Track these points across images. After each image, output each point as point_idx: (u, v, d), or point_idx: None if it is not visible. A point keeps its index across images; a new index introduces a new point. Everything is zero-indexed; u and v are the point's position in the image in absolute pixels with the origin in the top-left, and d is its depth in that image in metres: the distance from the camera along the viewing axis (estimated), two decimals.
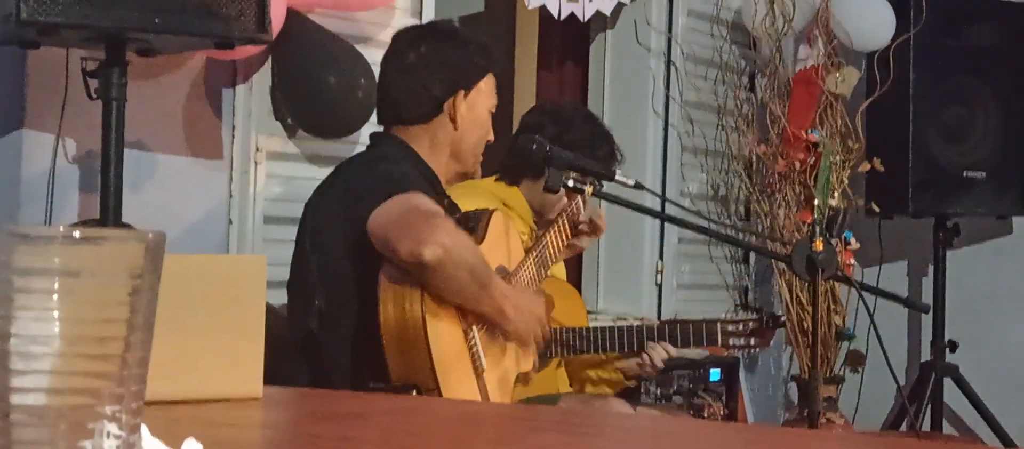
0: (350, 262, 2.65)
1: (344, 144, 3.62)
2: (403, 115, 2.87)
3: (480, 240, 2.70)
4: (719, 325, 3.45)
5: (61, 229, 0.77)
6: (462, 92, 2.84)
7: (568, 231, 3.13)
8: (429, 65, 2.85)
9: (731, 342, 3.47)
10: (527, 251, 2.97)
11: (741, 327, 3.48)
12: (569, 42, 5.08)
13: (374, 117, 3.46)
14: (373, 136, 2.96)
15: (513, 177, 3.43)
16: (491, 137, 2.95)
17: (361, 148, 3.49)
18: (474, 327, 2.66)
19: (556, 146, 2.95)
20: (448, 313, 2.59)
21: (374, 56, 3.69)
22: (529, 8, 4.39)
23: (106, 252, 0.78)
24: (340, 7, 3.57)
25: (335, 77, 3.40)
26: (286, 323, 2.81)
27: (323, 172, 3.51)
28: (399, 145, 2.84)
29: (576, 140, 3.32)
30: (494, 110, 2.94)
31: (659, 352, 3.37)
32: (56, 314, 0.76)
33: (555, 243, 3.07)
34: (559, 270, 3.61)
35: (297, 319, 2.77)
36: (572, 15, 4.46)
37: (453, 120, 2.84)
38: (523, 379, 2.92)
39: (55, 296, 0.76)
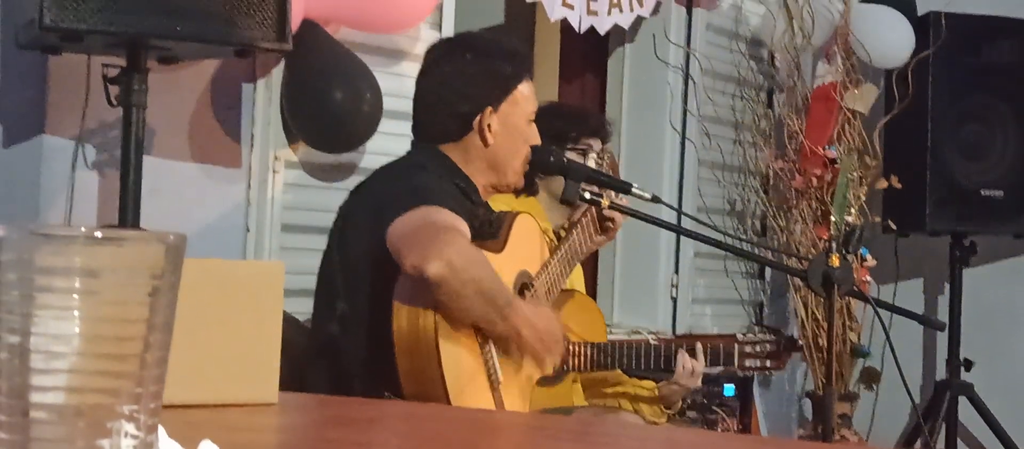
0: (373, 269, 2.63)
1: (361, 154, 3.63)
2: (433, 134, 2.84)
3: (502, 245, 2.68)
4: (737, 347, 3.43)
5: (82, 229, 0.77)
6: (489, 108, 2.79)
7: (595, 226, 3.08)
8: (454, 85, 2.79)
9: (747, 363, 3.46)
10: (552, 252, 2.93)
11: (758, 349, 3.47)
12: (589, 55, 5.09)
13: (377, 131, 3.47)
14: (412, 144, 2.94)
15: (529, 188, 3.40)
16: (534, 141, 2.87)
17: (370, 158, 3.50)
18: (491, 339, 2.64)
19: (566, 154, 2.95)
20: (463, 327, 2.56)
21: (393, 67, 3.71)
22: (551, 20, 4.40)
23: (127, 252, 0.78)
24: (362, 27, 3.57)
25: (341, 92, 3.39)
26: (304, 330, 2.81)
27: (341, 182, 3.53)
28: (435, 154, 2.82)
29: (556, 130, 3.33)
30: (533, 115, 2.86)
31: (699, 363, 3.33)
32: (76, 313, 0.77)
33: (583, 236, 3.03)
34: (579, 283, 3.60)
35: (320, 321, 2.78)
36: (591, 28, 4.47)
37: (483, 138, 2.79)
38: (545, 382, 2.91)
39: (76, 295, 0.77)
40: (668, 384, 3.41)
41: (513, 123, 2.82)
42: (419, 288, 2.48)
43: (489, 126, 2.79)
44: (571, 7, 4.36)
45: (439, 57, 2.88)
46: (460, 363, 2.54)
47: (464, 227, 2.55)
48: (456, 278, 2.43)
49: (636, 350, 3.31)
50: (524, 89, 2.84)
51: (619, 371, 3.39)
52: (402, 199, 2.57)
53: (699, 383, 3.42)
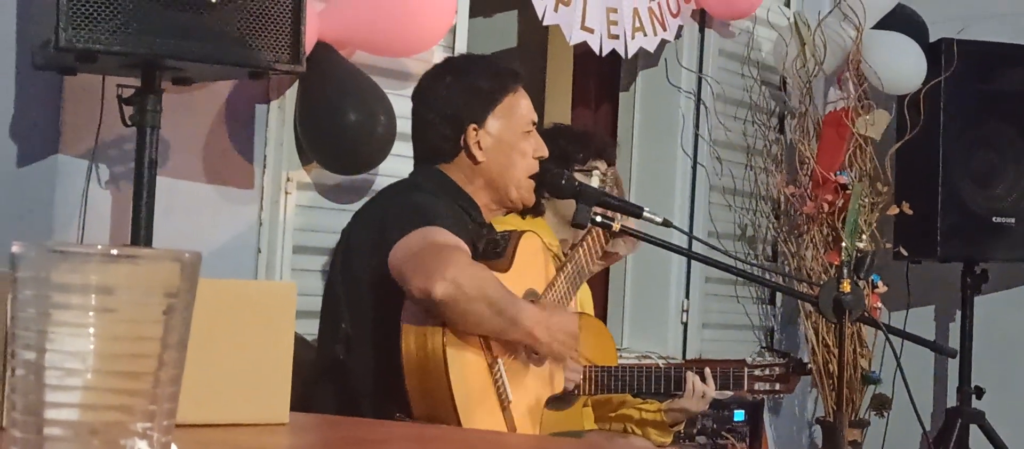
0: (376, 290, 2.64)
1: (374, 176, 3.64)
2: (429, 156, 2.87)
3: (508, 264, 2.68)
4: (747, 370, 3.43)
5: (98, 247, 0.78)
6: (473, 126, 2.81)
7: (602, 240, 3.08)
8: (437, 107, 2.84)
9: (757, 387, 3.46)
10: (558, 270, 2.94)
11: (767, 372, 3.47)
12: (602, 79, 5.10)
13: (390, 153, 3.48)
14: (414, 165, 2.96)
15: (535, 208, 3.40)
16: (541, 153, 2.88)
17: (383, 180, 3.50)
18: (499, 359, 2.63)
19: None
20: (472, 347, 2.56)
21: (407, 89, 3.71)
22: (570, 44, 4.38)
23: (142, 270, 0.79)
24: (376, 50, 3.58)
25: (355, 114, 3.40)
26: (313, 350, 2.81)
27: (354, 204, 3.53)
28: (434, 175, 2.84)
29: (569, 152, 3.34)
30: (529, 127, 2.87)
31: (710, 387, 3.34)
32: (91, 331, 0.78)
33: (588, 256, 3.03)
34: (589, 306, 3.60)
35: (326, 343, 2.78)
36: (603, 52, 4.46)
37: (471, 155, 2.82)
38: (556, 406, 2.91)
39: (91, 313, 0.77)
40: (674, 405, 3.41)
41: (503, 137, 2.83)
42: (427, 309, 2.49)
43: (478, 143, 2.81)
44: (591, 30, 4.34)
45: (425, 82, 2.94)
46: (470, 383, 2.54)
47: (463, 245, 2.56)
48: (463, 296, 2.44)
49: (645, 374, 3.31)
50: (512, 102, 2.86)
51: (625, 393, 3.39)
52: (402, 220, 2.58)
53: (706, 407, 3.42)
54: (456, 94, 2.83)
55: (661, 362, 4.67)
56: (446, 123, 2.82)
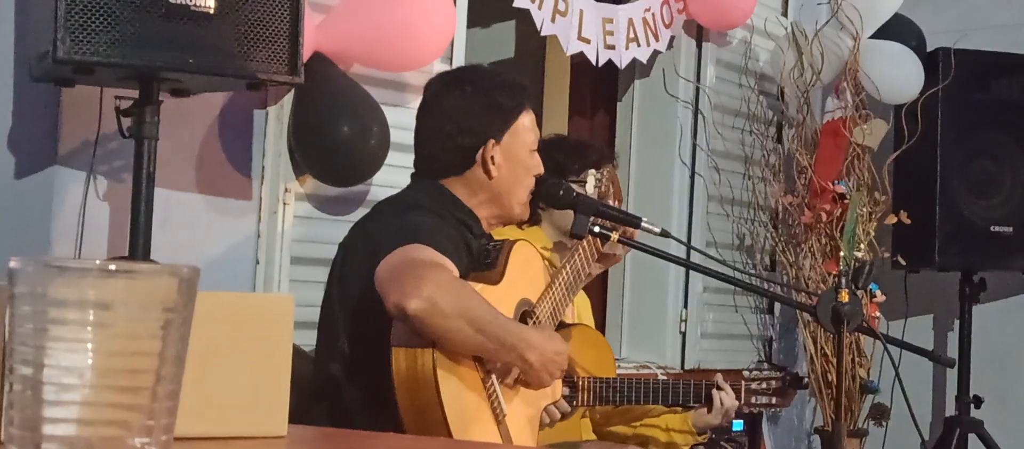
0: (370, 307, 2.59)
1: (369, 186, 3.64)
2: (435, 169, 2.83)
3: (500, 275, 2.66)
4: (743, 384, 3.43)
5: (96, 262, 0.78)
6: (492, 141, 2.78)
7: (598, 244, 3.03)
8: (455, 118, 2.78)
9: (753, 400, 3.45)
10: (553, 277, 2.90)
11: (764, 386, 3.47)
12: (599, 89, 5.10)
13: (384, 164, 3.47)
14: (412, 177, 2.93)
15: (531, 218, 3.38)
16: (539, 171, 2.87)
17: (378, 190, 3.50)
18: (493, 373, 2.61)
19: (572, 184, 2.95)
20: (463, 365, 2.52)
21: (401, 100, 3.72)
22: (567, 54, 4.40)
23: (140, 285, 0.79)
24: (374, 65, 3.58)
25: (348, 126, 3.40)
26: (311, 363, 2.80)
27: (350, 215, 3.53)
28: (434, 189, 2.80)
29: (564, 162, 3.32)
30: (535, 145, 2.86)
31: (730, 398, 3.35)
32: (89, 346, 0.78)
33: (584, 260, 3.01)
34: (588, 317, 3.59)
35: (322, 359, 2.76)
36: (609, 61, 4.47)
37: (486, 170, 2.78)
38: (554, 410, 2.90)
39: (88, 328, 0.77)
40: (700, 419, 3.41)
41: (515, 154, 2.81)
42: (413, 330, 2.45)
43: (492, 158, 2.79)
44: (587, 41, 4.36)
45: (439, 91, 2.87)
46: (463, 401, 2.51)
47: (449, 263, 2.51)
48: (439, 313, 2.39)
49: (643, 385, 3.30)
50: (525, 120, 2.84)
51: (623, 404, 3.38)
52: (393, 238, 2.54)
53: (729, 419, 3.41)
54: (476, 107, 2.79)
55: (660, 372, 4.68)
56: (465, 135, 2.78)
